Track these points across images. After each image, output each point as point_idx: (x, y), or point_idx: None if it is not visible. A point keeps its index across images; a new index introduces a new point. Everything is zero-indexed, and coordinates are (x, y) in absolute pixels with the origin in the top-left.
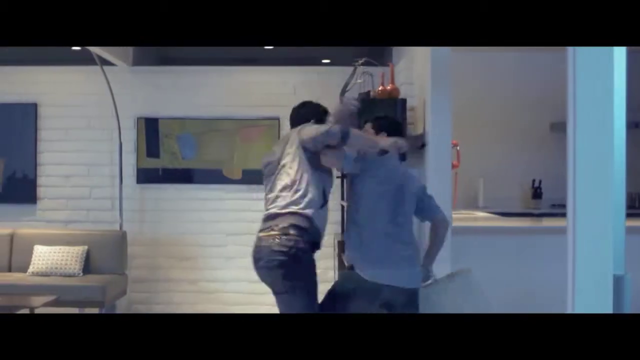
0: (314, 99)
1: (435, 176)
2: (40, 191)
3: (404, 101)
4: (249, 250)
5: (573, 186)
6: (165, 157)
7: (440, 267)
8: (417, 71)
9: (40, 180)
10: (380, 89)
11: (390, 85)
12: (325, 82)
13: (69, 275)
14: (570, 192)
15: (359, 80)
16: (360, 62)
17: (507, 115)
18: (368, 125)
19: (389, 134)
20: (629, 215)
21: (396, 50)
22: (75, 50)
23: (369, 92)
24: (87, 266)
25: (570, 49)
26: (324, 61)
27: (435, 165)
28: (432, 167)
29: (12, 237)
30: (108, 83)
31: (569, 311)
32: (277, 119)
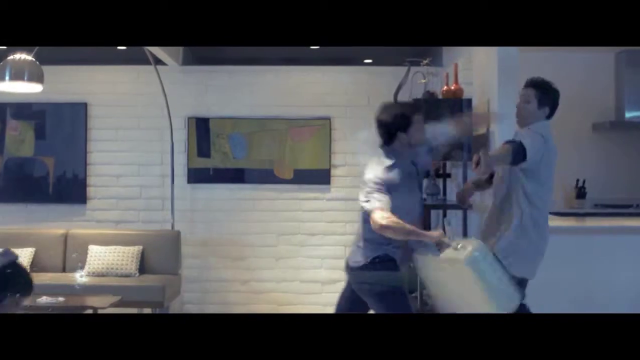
0: (365, 99)
1: None
2: (90, 191)
3: (469, 101)
4: (300, 250)
5: None
6: (216, 157)
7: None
8: (478, 71)
9: (90, 180)
10: (444, 88)
11: (455, 85)
12: (375, 82)
13: (126, 276)
14: None
15: (422, 80)
16: (425, 62)
17: None
18: None
19: None
20: None
21: (447, 50)
22: (125, 50)
23: (428, 92)
24: (142, 266)
25: None
26: (366, 61)
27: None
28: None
29: (65, 238)
30: (161, 82)
31: None
32: (329, 118)
